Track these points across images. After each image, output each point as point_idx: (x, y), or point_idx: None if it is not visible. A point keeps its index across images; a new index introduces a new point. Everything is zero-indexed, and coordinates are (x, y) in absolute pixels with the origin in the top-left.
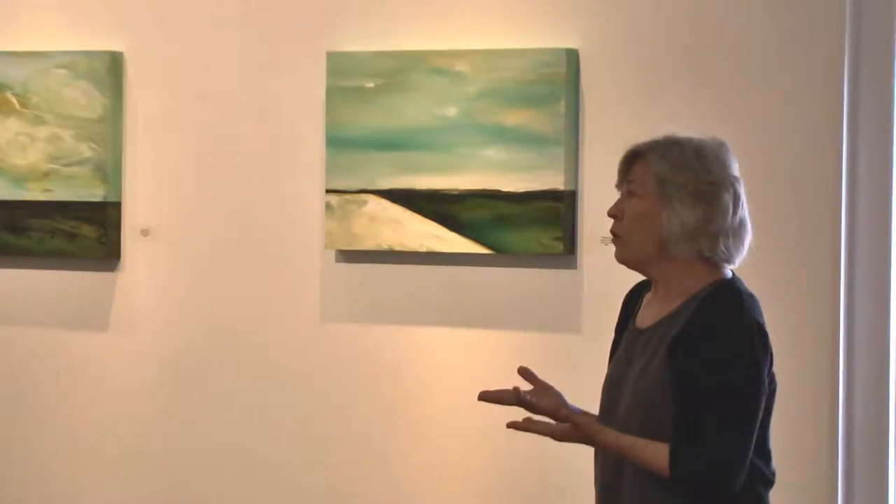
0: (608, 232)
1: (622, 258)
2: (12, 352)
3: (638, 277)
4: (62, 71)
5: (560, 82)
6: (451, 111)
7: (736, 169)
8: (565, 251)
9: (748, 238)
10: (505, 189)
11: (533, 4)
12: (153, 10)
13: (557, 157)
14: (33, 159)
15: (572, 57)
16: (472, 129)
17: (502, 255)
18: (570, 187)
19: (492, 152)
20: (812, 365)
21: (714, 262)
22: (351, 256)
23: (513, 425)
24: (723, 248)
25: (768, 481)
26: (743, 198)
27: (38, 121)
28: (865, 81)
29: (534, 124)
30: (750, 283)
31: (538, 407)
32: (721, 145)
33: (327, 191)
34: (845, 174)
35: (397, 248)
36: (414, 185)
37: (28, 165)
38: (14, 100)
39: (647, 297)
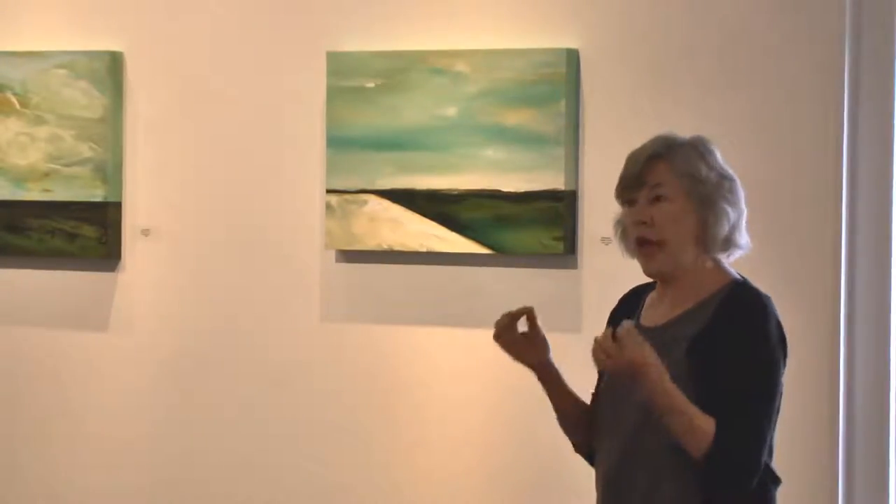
0: (608, 232)
1: (662, 268)
2: (12, 352)
3: (638, 279)
4: (62, 71)
5: (560, 82)
6: (451, 111)
7: None
8: (565, 251)
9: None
10: (505, 189)
11: (533, 4)
12: (153, 10)
13: (557, 157)
14: (33, 159)
15: (572, 57)
16: (471, 129)
17: (502, 255)
18: (570, 187)
19: (492, 152)
20: (812, 365)
21: (719, 263)
22: (351, 256)
23: None
24: (746, 242)
25: (777, 479)
26: None
27: (39, 121)
28: (865, 82)
29: (534, 124)
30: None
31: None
32: (709, 140)
33: (327, 191)
34: (845, 174)
35: (397, 248)
36: (414, 185)
37: (28, 165)
38: (14, 100)
39: (651, 297)
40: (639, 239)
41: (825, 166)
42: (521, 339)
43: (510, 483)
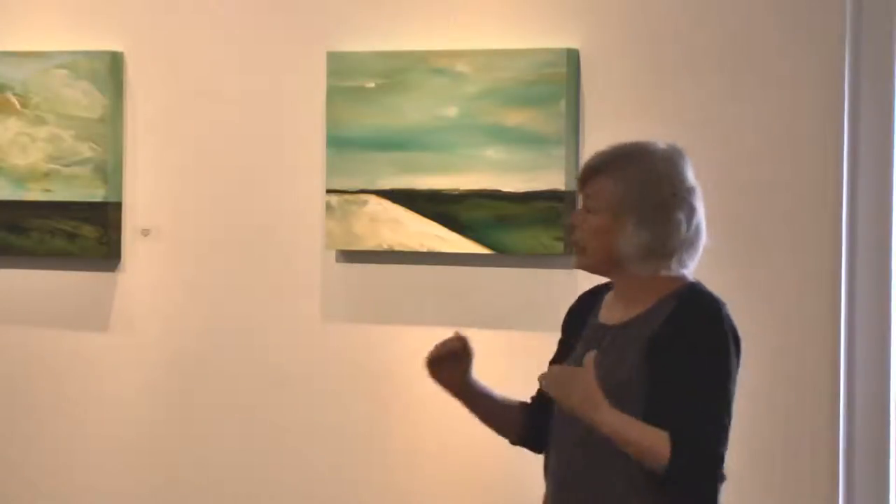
0: None
1: (582, 267)
2: (12, 352)
3: None
4: (62, 71)
5: (560, 82)
6: (452, 111)
7: (691, 176)
8: (566, 251)
9: (702, 242)
10: (505, 189)
11: (533, 4)
12: (153, 10)
13: (557, 157)
14: (34, 159)
15: (572, 57)
16: (472, 129)
17: (502, 255)
18: (571, 187)
19: (492, 152)
20: (812, 365)
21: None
22: (351, 256)
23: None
24: (676, 264)
25: (723, 477)
26: (698, 205)
27: (39, 121)
28: (865, 81)
29: (534, 124)
30: (750, 283)
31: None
32: (676, 153)
33: (328, 191)
34: (846, 174)
35: (398, 248)
36: (414, 186)
37: (28, 165)
38: (14, 100)
39: (609, 295)
40: (571, 238)
41: (825, 166)
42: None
43: (510, 482)
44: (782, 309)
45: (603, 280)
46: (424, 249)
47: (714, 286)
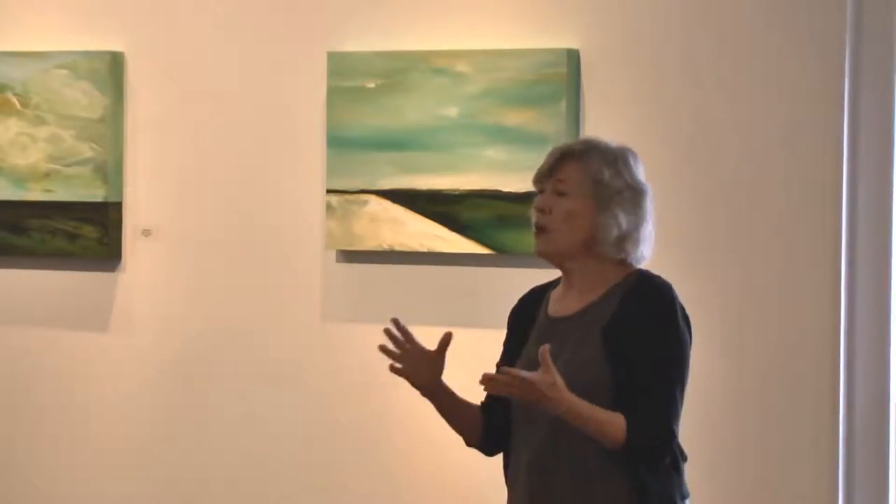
0: None
1: (545, 251)
2: (12, 352)
3: None
4: (63, 71)
5: (560, 82)
6: (452, 111)
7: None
8: None
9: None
10: (505, 189)
11: (533, 4)
12: (153, 10)
13: None
14: (34, 159)
15: (572, 57)
16: (472, 130)
17: (503, 255)
18: None
19: (492, 152)
20: (812, 365)
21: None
22: (351, 256)
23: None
24: (642, 252)
25: (685, 456)
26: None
27: (39, 121)
28: (865, 81)
29: (534, 124)
30: (751, 283)
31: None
32: (633, 152)
33: (328, 191)
34: (846, 174)
35: (398, 248)
36: (415, 186)
37: (29, 165)
38: (15, 100)
39: (557, 291)
40: (536, 224)
41: (825, 166)
42: (423, 361)
43: None
44: (782, 309)
45: (541, 282)
46: (424, 249)
47: (713, 285)
